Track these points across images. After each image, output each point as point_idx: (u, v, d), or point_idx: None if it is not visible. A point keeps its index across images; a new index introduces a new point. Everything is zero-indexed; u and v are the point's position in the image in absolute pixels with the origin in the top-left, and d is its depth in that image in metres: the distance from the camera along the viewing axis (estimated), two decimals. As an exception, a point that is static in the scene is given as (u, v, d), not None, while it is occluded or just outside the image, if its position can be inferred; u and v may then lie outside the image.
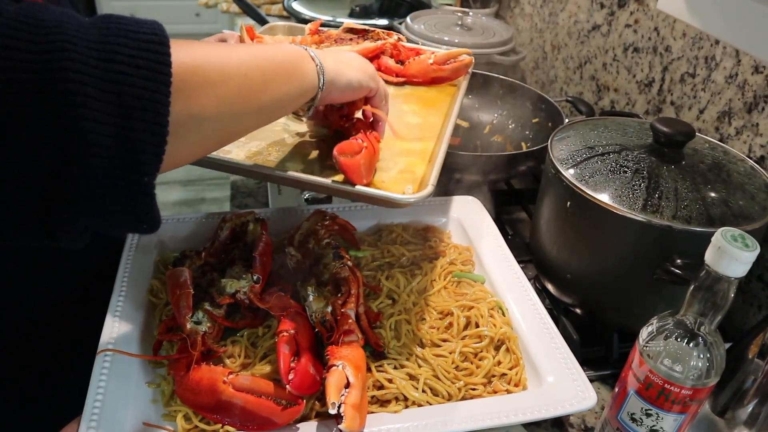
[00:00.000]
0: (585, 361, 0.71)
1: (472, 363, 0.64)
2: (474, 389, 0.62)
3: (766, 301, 0.78)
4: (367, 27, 0.93)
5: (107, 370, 0.58)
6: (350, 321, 0.61)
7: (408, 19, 1.35)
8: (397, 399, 0.60)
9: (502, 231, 0.85)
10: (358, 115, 0.67)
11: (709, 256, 0.48)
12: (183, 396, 0.57)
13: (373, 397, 0.59)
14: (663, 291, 0.67)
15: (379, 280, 0.72)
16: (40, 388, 0.69)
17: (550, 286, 0.81)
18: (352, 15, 1.62)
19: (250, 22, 1.51)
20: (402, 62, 0.90)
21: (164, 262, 0.74)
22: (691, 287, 0.50)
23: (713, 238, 0.47)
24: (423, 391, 0.60)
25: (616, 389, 0.57)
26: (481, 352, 0.65)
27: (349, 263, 0.67)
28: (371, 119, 0.67)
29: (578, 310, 0.78)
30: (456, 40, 1.26)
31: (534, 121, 1.09)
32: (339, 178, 0.62)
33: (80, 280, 0.72)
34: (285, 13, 1.68)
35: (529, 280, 0.75)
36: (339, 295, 0.63)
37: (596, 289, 0.74)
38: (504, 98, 1.14)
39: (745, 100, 0.81)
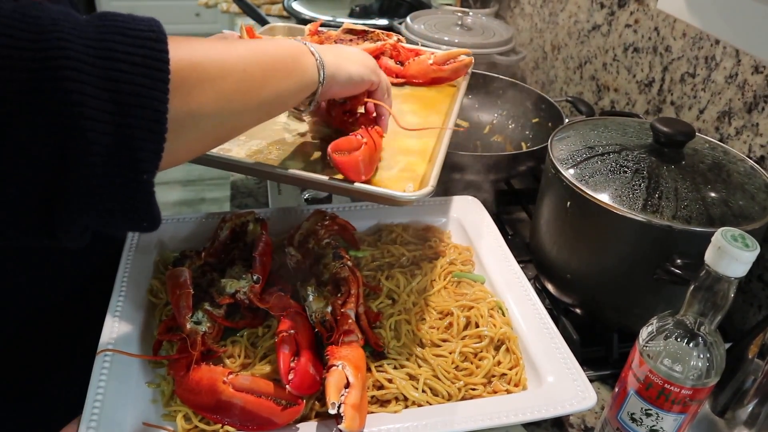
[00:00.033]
0: (585, 361, 0.71)
1: (472, 363, 0.64)
2: (474, 389, 0.62)
3: (766, 301, 0.78)
4: (366, 28, 0.93)
5: (107, 370, 0.58)
6: (350, 321, 0.61)
7: (408, 19, 1.35)
8: (397, 399, 0.60)
9: (502, 231, 0.85)
10: (362, 110, 0.67)
11: (709, 256, 0.48)
12: (183, 396, 0.57)
13: (372, 397, 0.59)
14: (663, 291, 0.67)
15: (379, 280, 0.72)
16: (40, 388, 0.69)
17: (550, 286, 0.81)
18: (352, 15, 1.62)
19: (250, 22, 1.51)
20: (402, 63, 0.90)
21: (164, 262, 0.74)
22: (691, 287, 0.50)
23: (713, 238, 0.47)
24: (423, 391, 0.60)
25: (616, 389, 0.57)
26: (481, 352, 0.65)
27: (349, 263, 0.67)
28: (374, 114, 0.67)
29: (578, 310, 0.78)
30: (456, 40, 1.26)
31: (534, 121, 1.09)
32: (341, 175, 0.61)
33: (80, 280, 0.72)
34: (285, 14, 1.68)
35: (529, 280, 0.75)
36: (339, 295, 0.63)
37: (596, 289, 0.74)
38: (504, 98, 1.14)
39: (745, 100, 0.81)
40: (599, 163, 0.71)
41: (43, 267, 0.67)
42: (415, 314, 0.68)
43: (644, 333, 0.54)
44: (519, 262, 0.77)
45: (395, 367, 0.61)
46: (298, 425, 0.56)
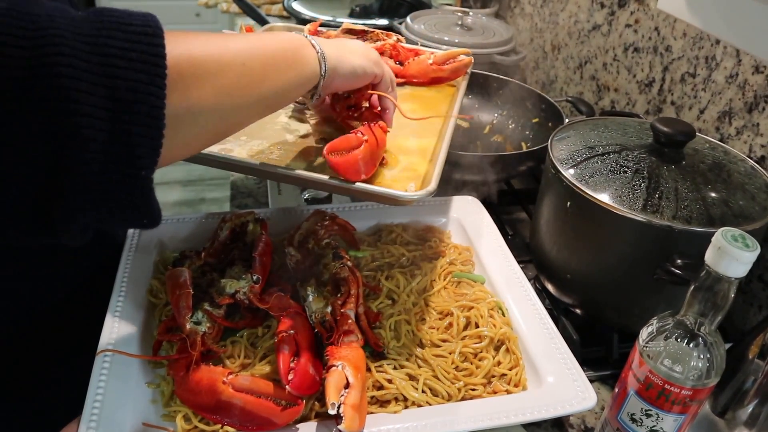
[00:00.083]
0: (585, 362, 0.71)
1: (471, 363, 0.64)
2: (474, 390, 0.62)
3: (766, 301, 0.78)
4: (366, 28, 0.93)
5: (107, 371, 0.58)
6: (350, 321, 0.61)
7: (408, 19, 1.35)
8: (396, 399, 0.59)
9: (502, 231, 0.85)
10: (366, 104, 0.66)
11: (709, 257, 0.47)
12: (182, 396, 0.57)
13: (372, 397, 0.59)
14: (663, 291, 0.67)
15: (378, 281, 0.72)
16: (40, 388, 0.69)
17: (550, 286, 0.81)
18: (352, 15, 1.62)
19: (250, 22, 1.51)
20: (401, 63, 0.90)
21: (164, 262, 0.74)
22: (692, 287, 0.50)
23: (713, 239, 0.47)
24: (423, 391, 0.60)
25: (616, 389, 0.57)
26: (481, 352, 0.65)
27: (349, 263, 0.67)
28: (379, 107, 0.66)
29: (578, 311, 0.78)
30: (456, 40, 1.26)
31: (534, 121, 1.09)
32: None
33: (80, 280, 0.72)
34: (285, 13, 1.68)
35: (529, 280, 0.75)
36: (338, 295, 0.63)
37: (596, 289, 0.74)
38: (504, 98, 1.14)
39: (745, 100, 0.81)
40: (599, 163, 0.71)
41: (43, 267, 0.67)
42: (415, 314, 0.68)
43: (644, 333, 0.54)
44: (519, 262, 0.77)
45: (395, 368, 0.61)
46: (297, 425, 0.56)
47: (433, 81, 0.88)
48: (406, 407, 0.59)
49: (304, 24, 0.99)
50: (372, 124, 0.63)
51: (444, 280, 0.74)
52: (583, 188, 0.68)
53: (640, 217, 0.64)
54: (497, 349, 0.66)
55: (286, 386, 0.55)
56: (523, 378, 0.64)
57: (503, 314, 0.70)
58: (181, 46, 0.42)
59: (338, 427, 0.51)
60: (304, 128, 0.73)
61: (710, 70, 0.87)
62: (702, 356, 0.50)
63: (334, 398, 0.52)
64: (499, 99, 1.15)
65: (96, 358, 0.59)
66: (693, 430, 0.59)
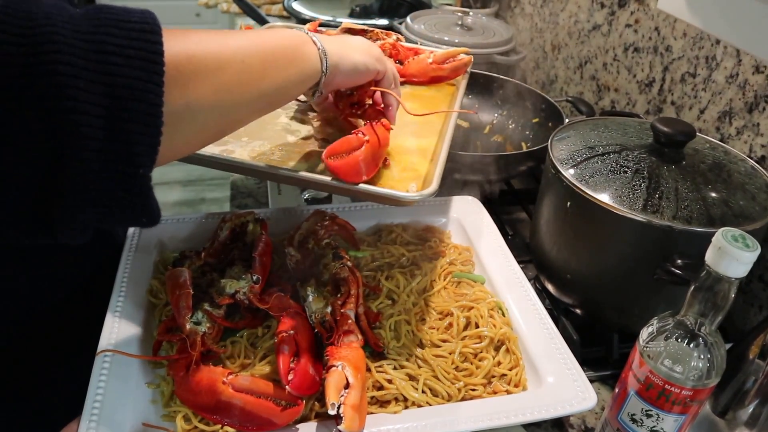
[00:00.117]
0: (585, 362, 0.71)
1: (471, 363, 0.64)
2: (474, 390, 0.61)
3: (766, 301, 0.78)
4: (365, 27, 0.93)
5: (107, 371, 0.58)
6: (350, 321, 0.61)
7: (408, 19, 1.35)
8: (396, 400, 0.59)
9: (502, 231, 0.85)
10: (370, 101, 0.66)
11: (709, 257, 0.47)
12: (182, 396, 0.57)
13: (372, 397, 0.59)
14: (663, 291, 0.67)
15: (378, 281, 0.72)
16: (40, 388, 0.69)
17: (550, 287, 0.81)
18: (352, 15, 1.62)
19: (250, 22, 1.51)
20: (401, 62, 0.89)
21: (164, 262, 0.74)
22: (692, 288, 0.50)
23: (714, 239, 0.47)
24: (423, 391, 0.60)
25: (617, 390, 0.57)
26: (481, 352, 0.65)
27: (349, 263, 0.67)
28: (382, 105, 0.66)
29: (578, 311, 0.78)
30: (456, 40, 1.26)
31: (534, 121, 1.09)
32: None
33: (80, 280, 0.72)
34: (285, 13, 1.68)
35: (529, 280, 0.75)
36: (338, 295, 0.63)
37: (596, 289, 0.74)
38: (504, 98, 1.14)
39: (745, 100, 0.81)
40: (599, 163, 0.71)
41: (43, 267, 0.67)
42: (415, 315, 0.68)
43: (644, 333, 0.54)
44: (519, 262, 0.77)
45: (395, 368, 0.61)
46: (297, 426, 0.56)
47: (433, 80, 0.88)
48: (406, 407, 0.59)
49: (304, 24, 0.99)
50: (374, 123, 0.63)
51: (444, 280, 0.74)
52: (583, 188, 0.68)
53: (640, 217, 0.64)
54: (497, 349, 0.66)
55: (286, 386, 0.55)
56: (523, 378, 0.64)
57: (503, 314, 0.70)
58: (180, 43, 0.42)
59: (338, 427, 0.51)
60: (306, 129, 0.73)
61: (710, 70, 0.87)
62: (702, 356, 0.50)
63: (334, 398, 0.52)
64: (499, 99, 1.15)
65: (96, 358, 0.59)
66: (693, 431, 0.59)
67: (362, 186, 0.60)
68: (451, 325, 0.67)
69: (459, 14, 1.35)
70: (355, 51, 0.59)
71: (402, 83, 0.87)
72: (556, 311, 0.79)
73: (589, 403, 0.59)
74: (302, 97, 0.70)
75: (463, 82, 0.88)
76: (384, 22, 1.52)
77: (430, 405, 0.59)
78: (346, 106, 0.66)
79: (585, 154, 0.73)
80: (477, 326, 0.67)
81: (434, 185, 0.61)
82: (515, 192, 1.06)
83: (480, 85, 1.14)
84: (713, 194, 0.66)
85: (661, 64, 0.98)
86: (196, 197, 2.85)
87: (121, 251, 0.73)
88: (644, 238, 0.65)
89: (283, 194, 0.96)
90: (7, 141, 0.36)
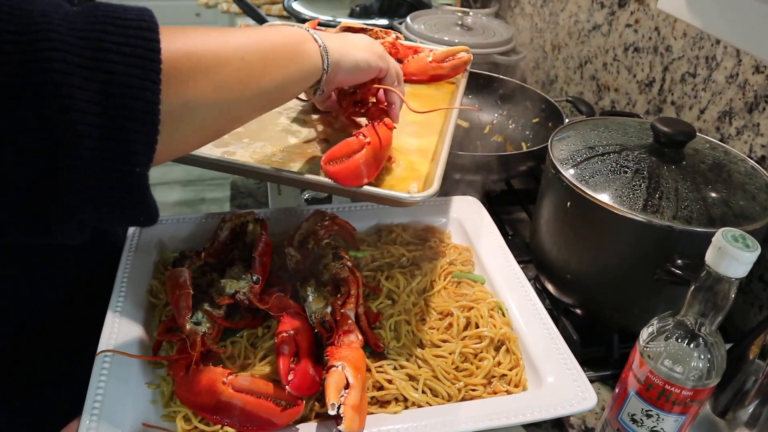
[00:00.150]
0: (585, 362, 0.71)
1: (471, 364, 0.64)
2: (474, 390, 0.61)
3: (766, 301, 0.78)
4: (364, 26, 0.93)
5: (107, 371, 0.58)
6: (350, 321, 0.61)
7: (408, 19, 1.35)
8: (396, 400, 0.59)
9: (502, 231, 0.85)
10: (374, 100, 0.65)
11: (709, 257, 0.47)
12: (182, 397, 0.57)
13: (372, 398, 0.59)
14: (663, 291, 0.67)
15: (378, 281, 0.72)
16: (40, 388, 0.69)
17: (550, 287, 0.81)
18: (352, 15, 1.62)
19: (250, 22, 1.51)
20: (400, 60, 0.89)
21: (164, 262, 0.74)
22: (692, 288, 0.50)
23: (714, 239, 0.47)
24: (423, 391, 0.60)
25: (617, 390, 0.57)
26: (481, 352, 0.65)
27: (349, 264, 0.67)
28: (385, 103, 0.65)
29: (578, 311, 0.78)
30: (456, 40, 1.26)
31: (534, 121, 1.09)
32: None
33: (80, 280, 0.72)
34: (285, 13, 1.68)
35: (529, 280, 0.75)
36: (338, 295, 0.63)
37: (596, 289, 0.73)
38: (504, 98, 1.14)
39: (745, 100, 0.81)
40: (599, 163, 0.71)
41: (43, 267, 0.67)
42: (415, 315, 0.68)
43: (645, 334, 0.54)
44: (519, 262, 0.77)
45: (395, 368, 0.61)
46: (297, 426, 0.56)
47: (433, 78, 0.87)
48: (406, 408, 0.59)
49: (303, 24, 0.99)
50: (376, 124, 0.62)
51: (444, 280, 0.74)
52: (583, 188, 0.68)
53: (640, 217, 0.64)
54: (497, 349, 0.66)
55: (286, 387, 0.55)
56: (523, 378, 0.64)
57: (503, 314, 0.70)
58: (178, 41, 0.42)
59: (338, 427, 0.51)
60: (307, 130, 0.73)
61: (710, 70, 0.87)
62: (702, 356, 0.50)
63: (334, 399, 0.52)
64: (499, 99, 1.15)
65: (96, 358, 0.59)
66: (693, 431, 0.59)
67: (363, 187, 0.60)
68: (451, 325, 0.67)
69: (459, 14, 1.35)
70: (356, 48, 0.58)
71: None
72: (556, 311, 0.79)
73: (589, 403, 0.59)
74: (303, 96, 0.70)
75: (462, 80, 0.88)
76: (384, 22, 1.52)
77: (430, 405, 0.59)
78: (350, 104, 0.66)
79: (585, 154, 0.73)
80: (477, 326, 0.67)
81: (435, 186, 0.60)
82: (515, 192, 1.06)
83: (480, 85, 1.14)
84: (713, 194, 0.66)
85: (661, 64, 0.98)
86: (196, 197, 2.85)
87: (121, 251, 0.73)
88: (644, 238, 0.65)
89: (283, 194, 0.96)
90: (3, 139, 0.35)
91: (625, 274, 0.69)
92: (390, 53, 0.89)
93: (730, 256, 0.46)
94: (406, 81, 0.87)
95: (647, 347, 0.53)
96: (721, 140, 0.85)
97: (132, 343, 0.62)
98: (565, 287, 0.78)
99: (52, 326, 0.69)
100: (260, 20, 1.41)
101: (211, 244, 0.72)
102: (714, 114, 0.87)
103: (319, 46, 0.54)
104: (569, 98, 1.11)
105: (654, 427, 0.54)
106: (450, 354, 0.64)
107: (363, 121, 0.67)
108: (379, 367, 0.61)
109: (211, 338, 0.60)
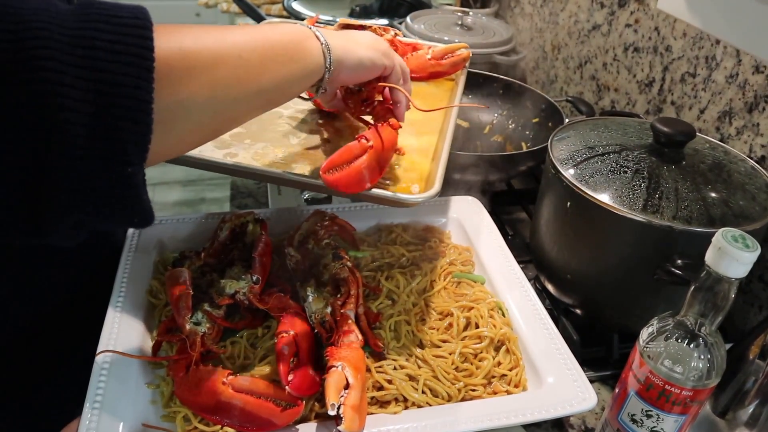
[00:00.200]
0: (585, 362, 0.70)
1: (471, 364, 0.64)
2: (474, 390, 0.61)
3: (766, 301, 0.78)
4: (363, 23, 0.93)
5: (106, 371, 0.58)
6: (350, 322, 0.61)
7: (408, 18, 1.35)
8: (396, 400, 0.59)
9: (502, 231, 0.85)
10: (380, 98, 0.65)
11: (709, 257, 0.47)
12: (182, 397, 0.57)
13: (372, 398, 0.59)
14: (663, 291, 0.67)
15: (378, 281, 0.72)
16: (40, 388, 0.69)
17: (550, 287, 0.81)
18: (352, 15, 1.62)
19: (250, 22, 1.51)
20: (400, 58, 0.89)
21: (164, 262, 0.74)
22: (692, 288, 0.50)
23: (714, 239, 0.47)
24: (423, 392, 0.60)
25: (617, 390, 0.57)
26: (481, 352, 0.65)
27: (349, 264, 0.67)
28: (391, 101, 0.64)
29: (578, 311, 0.78)
30: (456, 40, 1.26)
31: (534, 121, 1.09)
32: None
33: (80, 280, 0.72)
34: (285, 13, 1.68)
35: (529, 280, 0.75)
36: (338, 295, 0.63)
37: (596, 289, 0.73)
38: (504, 98, 1.14)
39: (745, 100, 0.81)
40: (599, 163, 0.71)
41: (43, 267, 0.67)
42: (415, 315, 0.68)
43: (645, 334, 0.54)
44: (519, 262, 0.77)
45: (395, 368, 0.61)
46: (297, 426, 0.56)
47: (432, 75, 0.87)
48: (406, 408, 0.59)
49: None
50: (380, 125, 0.61)
51: (444, 280, 0.74)
52: (583, 188, 0.68)
53: (640, 217, 0.64)
54: (497, 349, 0.66)
55: (286, 387, 0.55)
56: (523, 378, 0.64)
57: (503, 314, 0.70)
58: (173, 39, 0.41)
59: (338, 427, 0.51)
60: (308, 129, 0.73)
61: (710, 70, 0.87)
62: (702, 357, 0.50)
63: (334, 399, 0.52)
64: (499, 99, 1.14)
65: (96, 358, 0.59)
66: (693, 431, 0.59)
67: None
68: (451, 325, 0.67)
69: (459, 14, 1.35)
70: (360, 46, 0.57)
71: None
72: (556, 311, 0.79)
73: (589, 403, 0.59)
74: (305, 95, 0.70)
75: (462, 77, 0.88)
76: (384, 22, 1.52)
77: (430, 405, 0.59)
78: (356, 103, 0.64)
79: (585, 154, 0.73)
80: (477, 326, 0.67)
81: (437, 186, 0.60)
82: (515, 192, 1.06)
83: (480, 85, 1.14)
84: (713, 194, 0.66)
85: (661, 64, 0.98)
86: (196, 197, 2.85)
87: (121, 251, 0.73)
88: (644, 238, 0.65)
89: (283, 194, 0.96)
90: None
91: (625, 274, 0.69)
92: (389, 50, 0.88)
93: (730, 256, 0.46)
94: None
95: (647, 347, 0.53)
96: (721, 140, 0.85)
97: (132, 344, 0.62)
98: (565, 287, 0.78)
99: (52, 326, 0.69)
100: (260, 20, 1.41)
101: (210, 245, 0.72)
102: (714, 114, 0.87)
103: (321, 44, 0.53)
104: (569, 98, 1.11)
105: (654, 427, 0.54)
106: (450, 354, 0.64)
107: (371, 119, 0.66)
108: (379, 367, 0.61)
109: (210, 338, 0.60)
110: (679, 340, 0.51)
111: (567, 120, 0.98)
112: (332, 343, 0.59)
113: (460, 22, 1.34)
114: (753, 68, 0.80)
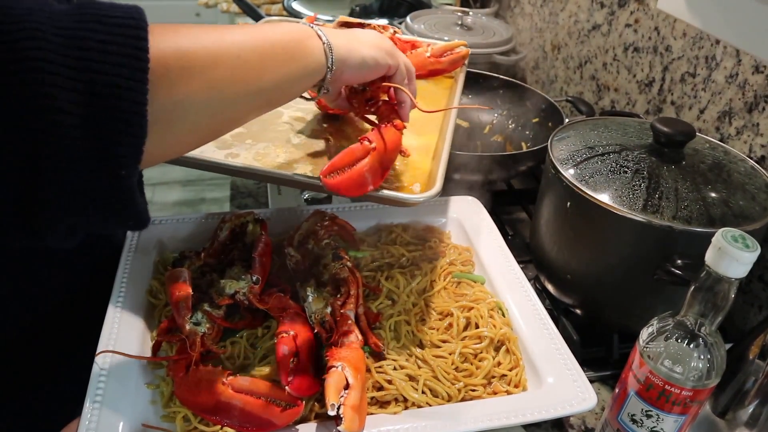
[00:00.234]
0: (585, 362, 0.70)
1: (471, 364, 0.63)
2: (474, 390, 0.61)
3: (766, 301, 0.78)
4: (362, 21, 0.93)
5: (106, 371, 0.58)
6: (350, 322, 0.61)
7: (408, 18, 1.35)
8: (396, 400, 0.59)
9: (502, 231, 0.85)
10: (385, 97, 0.64)
11: (709, 257, 0.47)
12: (182, 397, 0.57)
13: (372, 398, 0.59)
14: (663, 292, 0.67)
15: (378, 281, 0.72)
16: (40, 388, 0.69)
17: (550, 287, 0.81)
18: (352, 15, 1.62)
19: (250, 22, 1.51)
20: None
21: (164, 262, 0.74)
22: (692, 288, 0.50)
23: (714, 239, 0.47)
24: (422, 392, 0.60)
25: (617, 390, 0.57)
26: (481, 353, 0.65)
27: (349, 264, 0.67)
28: (395, 101, 0.63)
29: (578, 311, 0.78)
30: (456, 40, 1.26)
31: (534, 121, 1.09)
32: None
33: (80, 280, 0.72)
34: (285, 13, 1.68)
35: (529, 280, 0.75)
36: (338, 295, 0.63)
37: (596, 289, 0.73)
38: (504, 98, 1.14)
39: (745, 100, 0.81)
40: (599, 163, 0.71)
41: (43, 268, 0.67)
42: (415, 315, 0.68)
43: (644, 334, 0.54)
44: (519, 263, 0.77)
45: (395, 368, 0.61)
46: (297, 426, 0.56)
47: (431, 73, 0.87)
48: (406, 408, 0.59)
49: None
50: (383, 127, 0.60)
51: (444, 280, 0.74)
52: (583, 188, 0.68)
53: (640, 217, 0.64)
54: (497, 349, 0.66)
55: (286, 387, 0.55)
56: (523, 379, 0.64)
57: (503, 315, 0.70)
58: (170, 39, 0.40)
59: (338, 428, 0.51)
60: (310, 129, 0.73)
61: (710, 70, 0.87)
62: (702, 357, 0.50)
63: (334, 399, 0.52)
64: (499, 99, 1.14)
65: (96, 358, 0.59)
66: (693, 431, 0.58)
67: None
68: (451, 325, 0.67)
69: (459, 14, 1.35)
70: (363, 45, 0.56)
71: None
72: (556, 311, 0.79)
73: (589, 403, 0.59)
74: (307, 95, 0.70)
75: (461, 75, 0.88)
76: (384, 22, 1.52)
77: (430, 405, 0.59)
78: (361, 102, 0.64)
79: (585, 154, 0.73)
80: (477, 326, 0.67)
81: (438, 186, 0.60)
82: (515, 192, 1.06)
83: (480, 85, 1.14)
84: (713, 194, 0.66)
85: (661, 64, 0.98)
86: (196, 197, 2.85)
87: (121, 251, 0.73)
88: (644, 238, 0.65)
89: (283, 194, 0.96)
90: None
91: (625, 274, 0.69)
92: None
93: (729, 256, 0.46)
94: None
95: (647, 347, 0.53)
96: (720, 140, 0.85)
97: (132, 344, 0.62)
98: (565, 287, 0.78)
99: (52, 326, 0.69)
100: (259, 20, 1.41)
101: (210, 245, 0.72)
102: (714, 114, 0.87)
103: (323, 43, 0.52)
104: (569, 98, 1.11)
105: (654, 427, 0.54)
106: (450, 354, 0.64)
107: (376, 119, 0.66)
108: (379, 367, 0.61)
109: (210, 339, 0.60)
110: (679, 340, 0.51)
111: (567, 120, 0.98)
112: (332, 344, 0.59)
113: (460, 22, 1.34)
114: (753, 68, 0.80)
